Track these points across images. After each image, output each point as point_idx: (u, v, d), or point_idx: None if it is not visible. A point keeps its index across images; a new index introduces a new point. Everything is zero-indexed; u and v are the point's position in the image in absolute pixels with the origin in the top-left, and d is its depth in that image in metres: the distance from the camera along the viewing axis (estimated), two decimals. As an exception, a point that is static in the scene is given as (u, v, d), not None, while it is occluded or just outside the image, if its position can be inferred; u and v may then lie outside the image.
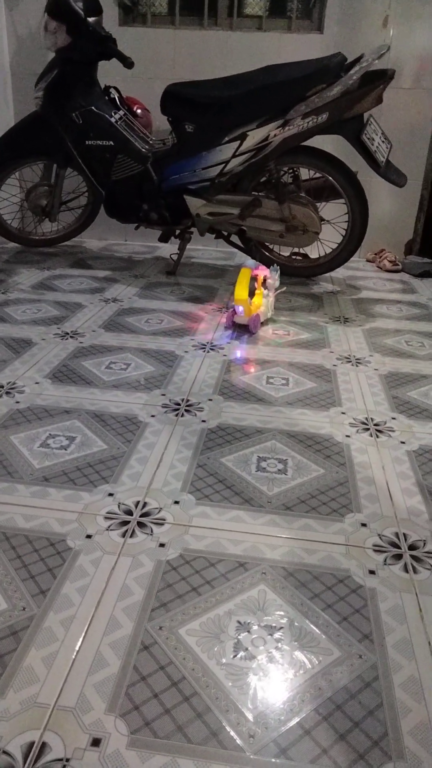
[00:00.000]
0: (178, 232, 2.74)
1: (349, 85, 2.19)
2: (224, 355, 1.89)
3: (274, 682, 0.81)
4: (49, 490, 1.18)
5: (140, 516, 1.12)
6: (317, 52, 2.85)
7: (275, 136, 2.32)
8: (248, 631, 0.88)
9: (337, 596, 0.95)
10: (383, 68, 2.27)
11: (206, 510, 1.14)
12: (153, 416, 1.49)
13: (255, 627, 0.89)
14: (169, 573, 0.98)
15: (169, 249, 3.20)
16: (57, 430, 1.40)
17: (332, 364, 1.86)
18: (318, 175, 2.54)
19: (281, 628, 0.89)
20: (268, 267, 2.21)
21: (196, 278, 2.76)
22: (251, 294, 2.08)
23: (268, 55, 2.94)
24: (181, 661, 0.83)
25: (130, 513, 1.12)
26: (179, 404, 1.56)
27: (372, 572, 1.00)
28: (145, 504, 1.15)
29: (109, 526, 1.08)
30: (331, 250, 2.70)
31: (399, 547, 1.07)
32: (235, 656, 0.84)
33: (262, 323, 2.17)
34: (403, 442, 1.42)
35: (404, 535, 1.10)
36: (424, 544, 1.08)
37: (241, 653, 0.84)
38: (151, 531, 1.08)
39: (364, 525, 1.12)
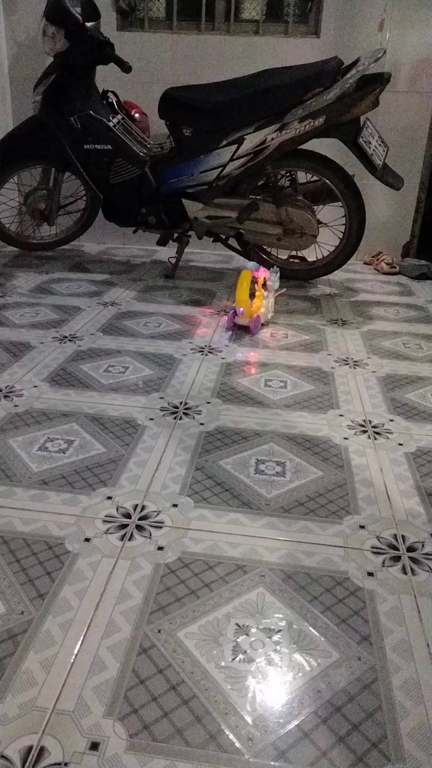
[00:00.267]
0: (176, 235, 2.75)
1: (345, 89, 2.20)
2: (222, 358, 1.89)
3: (273, 685, 0.80)
4: (48, 494, 1.18)
5: (139, 519, 1.12)
6: (314, 56, 2.87)
7: (272, 139, 2.33)
8: (247, 634, 0.88)
9: (336, 598, 0.95)
10: (379, 72, 2.28)
11: (205, 513, 1.14)
12: (151, 419, 1.49)
13: (254, 630, 0.89)
14: (168, 576, 0.98)
15: (167, 252, 3.20)
16: (55, 434, 1.40)
17: (330, 367, 1.86)
18: (315, 178, 2.55)
19: (280, 630, 0.89)
20: (268, 269, 2.22)
21: (194, 281, 2.76)
22: (252, 296, 2.09)
23: (264, 60, 2.95)
24: (179, 664, 0.83)
25: (128, 516, 1.12)
26: (177, 407, 1.56)
27: (370, 574, 1.00)
28: (143, 507, 1.15)
29: (107, 530, 1.08)
30: (328, 252, 2.70)
31: (397, 549, 1.07)
32: (233, 659, 0.84)
33: (262, 324, 2.17)
34: (401, 444, 1.42)
35: (402, 536, 1.10)
36: (423, 545, 1.08)
37: (240, 656, 0.84)
38: (150, 534, 1.08)
39: (362, 527, 1.12)
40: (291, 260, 2.80)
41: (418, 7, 2.82)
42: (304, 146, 2.43)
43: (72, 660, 0.83)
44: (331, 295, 2.65)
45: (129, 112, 2.72)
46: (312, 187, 2.58)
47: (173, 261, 2.84)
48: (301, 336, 2.12)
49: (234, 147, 2.38)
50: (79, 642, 0.85)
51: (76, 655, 0.83)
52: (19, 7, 3.01)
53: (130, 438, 1.40)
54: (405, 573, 1.01)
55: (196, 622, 0.89)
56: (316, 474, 1.29)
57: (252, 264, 2.12)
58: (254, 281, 2.11)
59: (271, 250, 2.80)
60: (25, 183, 3.03)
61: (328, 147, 2.59)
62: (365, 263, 3.27)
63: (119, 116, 2.62)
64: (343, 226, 2.57)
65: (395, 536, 1.10)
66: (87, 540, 1.05)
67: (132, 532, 1.08)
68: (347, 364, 1.89)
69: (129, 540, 1.06)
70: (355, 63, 2.27)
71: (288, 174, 2.56)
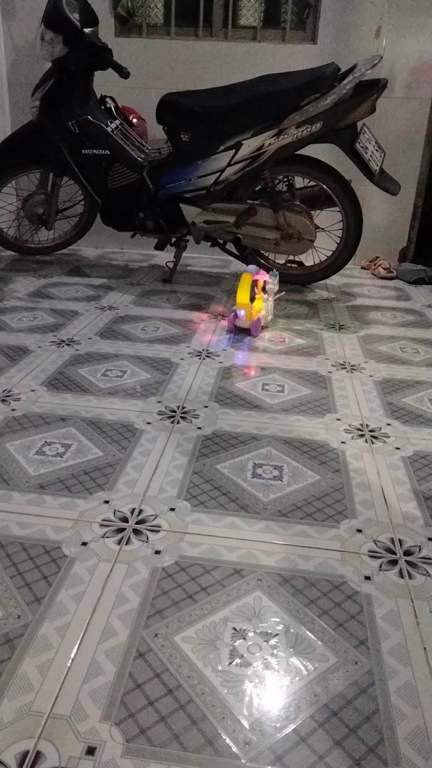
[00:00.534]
0: (174, 240, 2.76)
1: (342, 95, 2.22)
2: (220, 362, 1.89)
3: (270, 689, 0.80)
4: (45, 498, 1.18)
5: (136, 523, 1.11)
6: (311, 62, 2.88)
7: (270, 145, 2.34)
8: (244, 638, 0.88)
9: (333, 602, 0.95)
10: (376, 78, 2.30)
11: (202, 517, 1.14)
12: (149, 423, 1.49)
13: (251, 634, 0.89)
14: (165, 580, 0.98)
15: (165, 257, 3.21)
16: (53, 438, 1.40)
17: (327, 371, 1.86)
18: (312, 183, 2.56)
19: (277, 634, 0.89)
20: (268, 272, 2.23)
21: (192, 286, 2.77)
22: (252, 299, 2.10)
23: (262, 66, 2.97)
24: (176, 669, 0.83)
25: (125, 520, 1.12)
26: (175, 411, 1.56)
27: (367, 578, 1.00)
28: (140, 511, 1.15)
29: (104, 534, 1.08)
30: (326, 257, 2.71)
31: (394, 553, 1.07)
32: (230, 663, 0.84)
33: (262, 327, 2.18)
34: (398, 448, 1.42)
35: (399, 540, 1.10)
36: (420, 549, 1.08)
37: (237, 660, 0.84)
38: (147, 538, 1.07)
39: (359, 531, 1.12)
40: (288, 265, 2.81)
41: (414, 14, 2.84)
42: (302, 151, 2.44)
43: (68, 664, 0.82)
44: (328, 299, 2.66)
45: (127, 118, 2.73)
46: (309, 192, 2.59)
47: (171, 265, 2.85)
48: (299, 340, 2.12)
49: (231, 152, 2.39)
50: (76, 646, 0.85)
51: (73, 659, 0.83)
52: (17, 12, 3.02)
53: (127, 442, 1.40)
54: (402, 577, 1.01)
55: (192, 626, 0.89)
56: (314, 478, 1.29)
57: (252, 267, 2.12)
58: (254, 284, 2.12)
59: (269, 254, 2.81)
60: (23, 187, 3.03)
61: (326, 152, 2.61)
62: (362, 268, 3.28)
63: (117, 121, 2.63)
64: (341, 231, 2.58)
65: (392, 540, 1.10)
66: (84, 544, 1.05)
67: (129, 536, 1.08)
68: (344, 368, 1.89)
69: (126, 544, 1.06)
70: (352, 69, 2.28)
71: (285, 179, 2.57)
